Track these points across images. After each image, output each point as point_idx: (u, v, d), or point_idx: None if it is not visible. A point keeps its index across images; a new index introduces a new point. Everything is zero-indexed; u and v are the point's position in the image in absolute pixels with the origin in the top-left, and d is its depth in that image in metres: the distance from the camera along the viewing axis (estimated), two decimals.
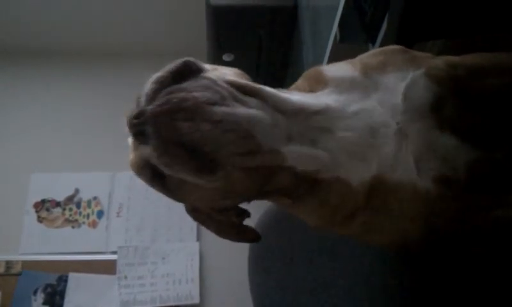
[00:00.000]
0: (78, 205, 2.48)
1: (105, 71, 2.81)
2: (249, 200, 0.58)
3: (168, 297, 2.26)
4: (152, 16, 2.66)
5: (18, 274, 2.25)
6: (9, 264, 2.27)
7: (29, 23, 2.66)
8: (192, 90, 0.46)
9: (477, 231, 0.56)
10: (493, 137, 0.55)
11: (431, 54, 0.60)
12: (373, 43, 1.04)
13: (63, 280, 2.26)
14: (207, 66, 0.51)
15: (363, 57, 0.61)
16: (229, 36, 2.03)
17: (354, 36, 1.22)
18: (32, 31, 2.71)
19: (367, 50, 0.65)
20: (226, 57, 2.10)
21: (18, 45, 2.78)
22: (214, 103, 0.46)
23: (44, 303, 2.22)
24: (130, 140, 0.56)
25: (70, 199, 2.49)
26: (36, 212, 2.45)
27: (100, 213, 2.46)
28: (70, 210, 2.47)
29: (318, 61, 1.57)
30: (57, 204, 2.48)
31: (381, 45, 1.00)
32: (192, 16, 2.49)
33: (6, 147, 2.60)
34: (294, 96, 0.55)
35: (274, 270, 0.90)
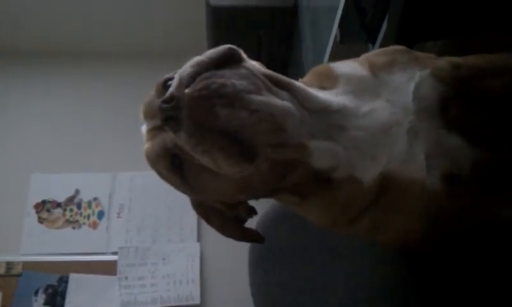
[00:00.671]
0: (78, 206, 2.48)
1: (105, 72, 2.81)
2: (260, 197, 0.58)
3: (169, 298, 2.26)
4: (151, 16, 2.66)
5: (19, 275, 2.25)
6: (9, 265, 2.27)
7: (29, 24, 2.66)
8: (230, 78, 0.46)
9: (481, 230, 0.56)
10: (496, 138, 0.55)
11: (433, 55, 0.61)
12: (373, 43, 1.04)
13: (63, 281, 2.26)
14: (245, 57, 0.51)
15: (369, 56, 0.61)
16: (229, 36, 2.03)
17: (355, 37, 1.22)
18: (33, 31, 2.71)
19: (367, 50, 0.65)
20: None
21: (19, 45, 2.78)
22: (251, 93, 0.46)
23: (45, 304, 2.22)
24: (144, 129, 0.56)
25: (70, 200, 2.49)
26: (37, 212, 2.45)
27: (100, 214, 2.46)
28: (71, 210, 2.47)
29: (318, 62, 1.57)
30: (58, 205, 2.48)
31: (381, 46, 1.00)
32: (192, 17, 2.49)
33: (6, 148, 2.60)
34: (319, 93, 0.55)
35: (275, 270, 0.90)
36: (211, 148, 0.46)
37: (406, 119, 0.54)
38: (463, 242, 0.58)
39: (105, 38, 2.79)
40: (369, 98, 0.56)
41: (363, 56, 0.62)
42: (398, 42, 0.63)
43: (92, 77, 2.80)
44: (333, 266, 0.79)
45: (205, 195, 0.58)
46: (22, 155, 2.57)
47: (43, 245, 2.37)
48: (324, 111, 0.54)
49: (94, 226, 2.43)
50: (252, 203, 0.63)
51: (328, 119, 0.54)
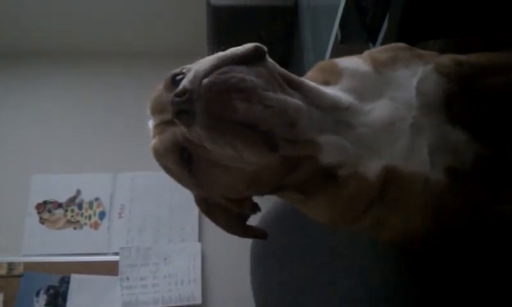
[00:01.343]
0: (80, 206, 2.48)
1: (105, 72, 2.82)
2: (266, 193, 0.59)
3: (170, 298, 2.26)
4: (152, 16, 2.66)
5: (21, 276, 2.26)
6: (11, 266, 2.27)
7: (29, 24, 2.66)
8: (248, 74, 0.47)
9: (481, 227, 0.56)
10: (499, 134, 0.56)
11: (435, 52, 0.61)
12: (374, 43, 1.04)
13: (65, 281, 2.26)
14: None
15: (372, 53, 0.62)
16: (229, 36, 2.03)
17: (355, 36, 1.22)
18: (33, 32, 2.71)
19: (367, 50, 0.65)
20: None
21: (19, 46, 2.78)
22: (267, 90, 0.47)
23: (46, 304, 2.22)
24: (151, 124, 0.56)
25: (71, 200, 2.50)
26: (38, 213, 2.45)
27: (101, 215, 2.47)
28: (72, 211, 2.47)
29: (319, 61, 1.57)
30: (59, 205, 2.48)
31: (382, 45, 0.99)
32: (192, 17, 2.49)
33: (7, 148, 2.60)
34: (328, 90, 0.56)
35: (276, 270, 0.90)
36: (234, 139, 0.47)
37: (410, 114, 0.54)
38: (464, 240, 0.58)
39: (105, 38, 2.79)
40: (373, 95, 0.57)
41: (366, 52, 0.62)
42: (398, 41, 0.63)
43: (92, 77, 2.81)
44: (334, 266, 0.79)
45: (213, 190, 0.58)
46: (23, 156, 2.57)
47: (44, 245, 2.37)
48: (333, 108, 0.54)
49: (95, 226, 2.44)
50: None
51: (336, 116, 0.54)
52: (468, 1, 0.76)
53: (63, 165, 2.55)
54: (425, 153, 0.53)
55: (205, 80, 0.46)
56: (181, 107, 0.46)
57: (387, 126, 0.54)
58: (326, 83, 0.58)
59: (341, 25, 1.28)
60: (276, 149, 0.48)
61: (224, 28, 1.99)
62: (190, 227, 2.41)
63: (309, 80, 0.57)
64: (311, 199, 0.58)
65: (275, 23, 2.05)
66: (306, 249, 0.85)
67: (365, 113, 0.55)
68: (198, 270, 2.32)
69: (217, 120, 0.46)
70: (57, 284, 2.26)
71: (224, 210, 0.62)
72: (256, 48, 0.49)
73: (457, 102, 0.55)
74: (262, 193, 0.59)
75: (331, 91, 0.56)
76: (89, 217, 2.46)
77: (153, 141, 0.55)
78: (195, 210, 2.37)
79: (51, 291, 2.25)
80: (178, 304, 2.25)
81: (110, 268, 2.30)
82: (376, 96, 0.57)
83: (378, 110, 0.55)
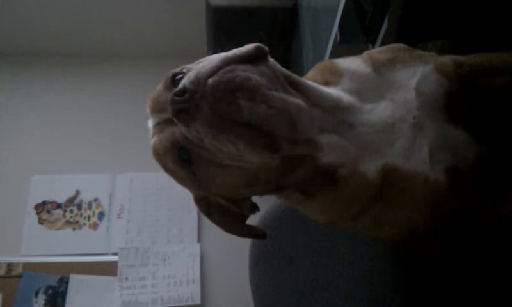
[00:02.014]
0: (79, 207, 2.48)
1: (105, 72, 2.82)
2: (265, 193, 0.59)
3: (169, 298, 2.26)
4: (151, 17, 2.66)
5: (20, 276, 2.25)
6: (10, 266, 2.27)
7: (28, 25, 2.66)
8: (252, 73, 0.47)
9: (483, 226, 0.56)
10: (500, 134, 0.56)
11: (435, 53, 0.61)
12: (373, 44, 1.04)
13: (64, 282, 2.26)
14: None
15: (371, 53, 0.62)
16: (229, 37, 2.03)
17: (354, 37, 1.22)
18: (33, 32, 2.71)
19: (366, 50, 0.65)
20: None
21: (18, 47, 2.78)
22: (270, 89, 0.48)
23: (45, 305, 2.22)
24: (150, 123, 0.56)
25: (70, 200, 2.49)
26: (37, 213, 2.45)
27: (101, 215, 2.46)
28: (71, 211, 2.47)
29: (318, 62, 1.57)
30: (58, 206, 2.48)
31: (381, 46, 1.00)
32: (192, 17, 2.49)
33: (6, 149, 2.60)
34: (329, 90, 0.56)
35: (275, 271, 0.90)
36: (237, 139, 0.47)
37: (410, 115, 0.54)
38: (464, 240, 0.58)
39: (105, 39, 2.79)
40: (373, 96, 0.57)
41: (366, 53, 0.62)
42: (398, 42, 0.63)
43: (92, 78, 2.81)
44: (333, 266, 0.79)
45: (212, 189, 0.58)
46: (22, 156, 2.57)
47: (43, 246, 2.37)
48: (334, 108, 0.55)
49: (94, 226, 2.43)
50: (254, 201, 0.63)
51: (337, 116, 0.55)
52: (467, 2, 0.76)
53: (62, 166, 2.55)
54: (426, 153, 0.53)
55: (211, 80, 0.46)
56: (180, 106, 0.46)
57: (388, 127, 0.54)
58: (326, 83, 0.58)
59: (340, 26, 1.28)
60: (277, 150, 0.48)
61: (224, 29, 1.99)
62: (189, 228, 2.41)
63: (309, 80, 0.57)
64: (310, 199, 0.58)
65: (275, 24, 2.05)
66: (306, 249, 0.85)
67: (365, 113, 0.55)
68: (197, 270, 2.32)
69: (220, 119, 0.46)
70: (56, 285, 2.26)
71: (224, 209, 0.62)
72: (257, 48, 0.50)
73: (458, 102, 0.55)
74: (261, 193, 0.59)
75: (332, 90, 0.56)
76: (88, 217, 2.46)
77: (152, 140, 0.55)
78: (194, 210, 2.38)
79: (50, 291, 2.25)
80: (177, 305, 2.25)
81: (109, 269, 2.30)
82: (376, 96, 0.57)
83: (379, 110, 0.55)
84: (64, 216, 2.46)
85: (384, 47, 0.62)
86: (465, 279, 0.63)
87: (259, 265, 0.93)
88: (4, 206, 2.44)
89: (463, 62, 0.58)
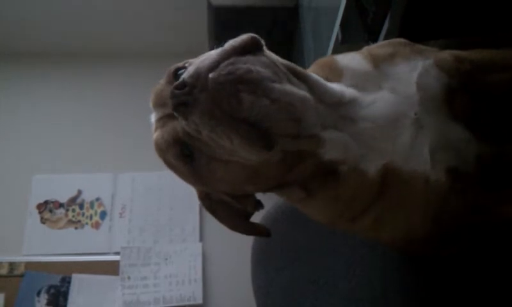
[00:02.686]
0: (81, 206, 2.48)
1: (106, 72, 2.82)
2: (267, 190, 0.58)
3: (171, 298, 2.26)
4: (152, 16, 2.66)
5: (22, 275, 2.26)
6: (12, 265, 2.28)
7: (29, 25, 2.66)
8: (254, 64, 0.46)
9: (485, 227, 0.56)
10: (502, 131, 0.55)
11: (436, 48, 0.60)
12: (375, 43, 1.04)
13: (66, 281, 2.26)
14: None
15: (371, 49, 0.61)
16: (230, 36, 2.02)
17: (356, 37, 1.22)
18: (33, 33, 2.71)
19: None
20: None
21: (19, 47, 2.78)
22: (273, 81, 0.47)
23: (48, 304, 2.22)
24: (153, 117, 0.56)
25: (72, 200, 2.50)
26: (39, 213, 2.45)
27: (103, 214, 2.47)
28: (73, 211, 2.47)
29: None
30: (60, 205, 2.48)
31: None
32: (193, 17, 2.49)
33: (8, 149, 2.61)
34: (333, 85, 0.55)
35: (277, 270, 0.90)
36: (232, 133, 0.46)
37: (412, 110, 0.54)
38: (464, 242, 0.58)
39: (105, 38, 2.79)
40: (373, 90, 0.56)
41: (366, 49, 0.62)
42: None
43: (93, 77, 2.81)
44: (334, 266, 0.79)
45: (214, 185, 0.57)
46: (24, 156, 2.57)
47: (45, 245, 2.37)
48: (337, 104, 0.54)
49: (96, 226, 2.44)
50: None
51: (340, 112, 0.54)
52: (469, 2, 0.76)
53: (64, 165, 2.55)
54: (426, 151, 0.52)
55: (212, 74, 0.45)
56: (180, 99, 0.46)
57: (390, 121, 0.54)
58: (327, 80, 0.57)
59: (342, 25, 1.28)
60: (272, 148, 0.47)
61: (225, 28, 1.99)
62: (191, 227, 2.41)
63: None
64: (311, 198, 0.58)
65: (276, 24, 2.05)
66: (307, 249, 0.85)
67: (366, 107, 0.55)
68: (199, 270, 2.32)
69: (220, 111, 0.46)
70: (58, 284, 2.26)
71: (227, 206, 0.62)
72: (252, 38, 0.49)
73: (458, 98, 0.55)
74: (263, 189, 0.58)
75: (335, 85, 0.56)
76: (91, 216, 2.46)
77: (155, 135, 0.55)
78: (196, 210, 2.38)
79: (52, 290, 2.25)
80: (179, 304, 2.25)
81: (111, 268, 2.30)
82: (376, 91, 0.56)
83: (381, 103, 0.55)
84: (66, 215, 2.46)
85: (385, 42, 0.62)
86: (466, 279, 0.63)
87: (261, 265, 0.93)
88: (6, 205, 2.44)
89: (464, 57, 0.58)
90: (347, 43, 1.27)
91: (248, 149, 0.47)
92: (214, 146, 0.49)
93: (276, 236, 0.90)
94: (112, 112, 2.69)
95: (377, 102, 0.55)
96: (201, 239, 2.38)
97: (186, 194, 2.23)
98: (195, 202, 0.65)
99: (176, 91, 0.46)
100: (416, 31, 0.81)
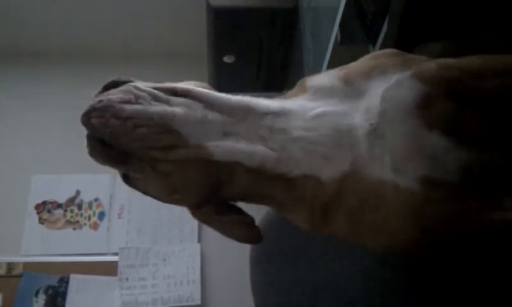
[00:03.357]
0: (79, 207, 2.48)
1: (105, 72, 2.79)
2: (214, 201, 0.61)
3: (169, 299, 2.26)
4: (152, 17, 2.66)
5: (20, 276, 2.26)
6: (10, 266, 2.28)
7: (29, 25, 2.66)
8: (111, 94, 0.53)
9: (475, 235, 0.55)
10: (490, 138, 0.55)
11: (426, 57, 0.61)
12: (373, 44, 1.04)
13: (64, 281, 2.26)
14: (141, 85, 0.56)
15: (354, 64, 0.62)
16: (230, 37, 2.03)
17: (355, 38, 1.22)
18: (33, 32, 2.71)
19: (367, 51, 0.65)
20: (226, 59, 2.10)
21: (19, 47, 2.79)
22: (127, 102, 0.52)
23: (46, 305, 2.22)
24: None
25: (71, 200, 2.50)
26: (38, 213, 2.45)
27: (101, 215, 2.47)
28: (72, 211, 2.47)
29: (319, 63, 1.58)
30: (59, 205, 2.48)
31: (382, 47, 1.00)
32: (192, 18, 2.50)
33: (6, 149, 2.61)
34: (240, 98, 0.58)
35: (276, 271, 0.90)
36: (93, 154, 0.55)
37: (368, 121, 0.54)
38: (460, 245, 0.58)
39: (105, 39, 2.79)
40: (329, 104, 0.58)
41: (352, 63, 0.63)
42: (398, 43, 0.64)
43: (92, 77, 2.80)
44: (334, 267, 0.79)
45: (157, 197, 0.62)
46: (22, 156, 2.57)
47: (43, 246, 2.37)
48: (249, 113, 0.56)
49: (95, 226, 2.44)
50: (254, 206, 0.63)
51: (257, 121, 0.56)
52: (468, 3, 0.76)
53: (62, 166, 2.55)
54: (388, 160, 0.53)
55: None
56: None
57: (336, 132, 0.55)
58: (295, 97, 0.60)
59: (341, 26, 1.28)
60: (124, 162, 0.54)
61: (224, 29, 1.99)
62: (189, 228, 2.41)
63: (289, 96, 0.60)
64: (283, 210, 0.61)
65: (275, 25, 2.05)
66: (306, 249, 0.85)
67: (306, 119, 0.56)
68: (197, 271, 2.32)
69: (93, 141, 0.55)
70: (56, 285, 2.26)
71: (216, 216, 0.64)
72: (112, 80, 0.56)
73: (438, 105, 0.54)
74: (198, 202, 0.61)
75: (265, 100, 0.58)
76: (89, 217, 2.46)
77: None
78: None
79: (50, 291, 2.25)
80: (178, 305, 2.25)
81: (109, 269, 2.30)
82: (331, 105, 0.57)
83: (327, 116, 0.56)
84: (64, 216, 2.46)
85: (373, 54, 0.63)
86: (464, 281, 0.63)
87: (259, 265, 0.93)
88: (5, 206, 2.44)
89: (451, 65, 0.57)
90: (346, 44, 1.28)
91: (110, 165, 0.56)
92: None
93: (275, 237, 0.90)
94: None
95: (325, 114, 0.56)
96: (199, 240, 2.38)
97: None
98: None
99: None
100: (415, 32, 0.81)
